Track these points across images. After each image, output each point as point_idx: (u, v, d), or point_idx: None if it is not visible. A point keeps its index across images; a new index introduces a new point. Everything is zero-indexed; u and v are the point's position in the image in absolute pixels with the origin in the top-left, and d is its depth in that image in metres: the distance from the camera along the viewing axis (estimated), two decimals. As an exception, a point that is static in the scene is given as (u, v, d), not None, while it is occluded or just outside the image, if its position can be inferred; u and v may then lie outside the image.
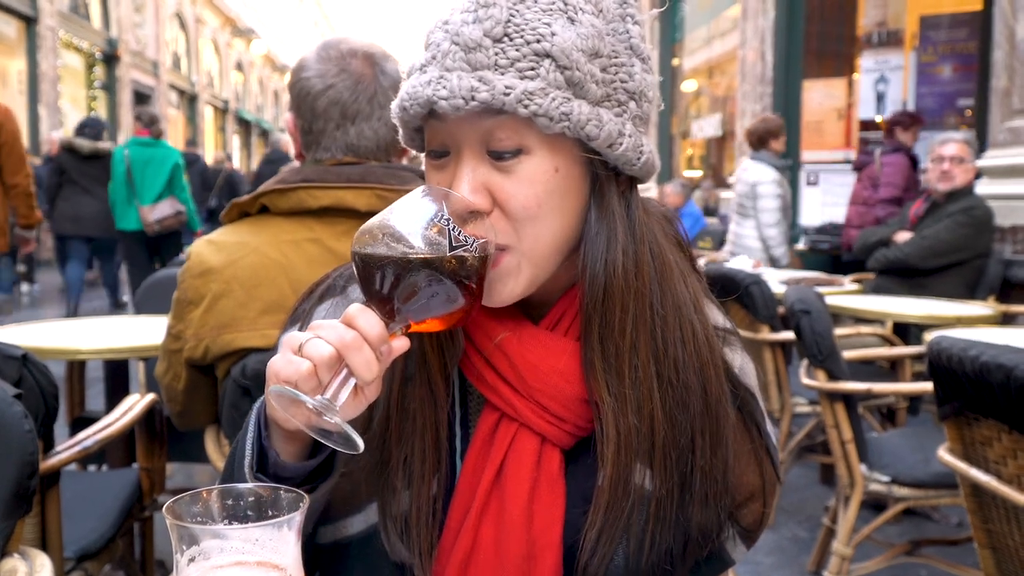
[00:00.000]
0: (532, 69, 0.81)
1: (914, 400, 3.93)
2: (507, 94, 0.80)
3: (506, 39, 0.82)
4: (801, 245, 6.98)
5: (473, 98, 0.80)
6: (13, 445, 1.17)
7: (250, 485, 0.70)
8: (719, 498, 0.92)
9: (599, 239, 0.88)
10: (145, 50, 18.13)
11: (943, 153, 4.53)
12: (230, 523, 0.68)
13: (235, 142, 20.11)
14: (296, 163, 1.84)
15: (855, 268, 5.55)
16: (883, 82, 7.42)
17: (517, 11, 0.83)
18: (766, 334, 3.59)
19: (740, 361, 1.00)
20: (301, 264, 1.64)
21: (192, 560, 0.64)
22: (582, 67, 0.83)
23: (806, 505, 3.81)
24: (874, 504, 3.18)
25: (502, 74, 0.81)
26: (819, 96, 8.03)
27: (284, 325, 1.04)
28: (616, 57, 0.86)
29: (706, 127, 10.90)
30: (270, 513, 0.68)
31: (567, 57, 0.82)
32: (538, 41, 0.82)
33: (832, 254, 6.59)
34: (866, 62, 7.61)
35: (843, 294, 4.36)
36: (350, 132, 1.69)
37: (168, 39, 19.91)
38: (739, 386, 0.97)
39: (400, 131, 0.93)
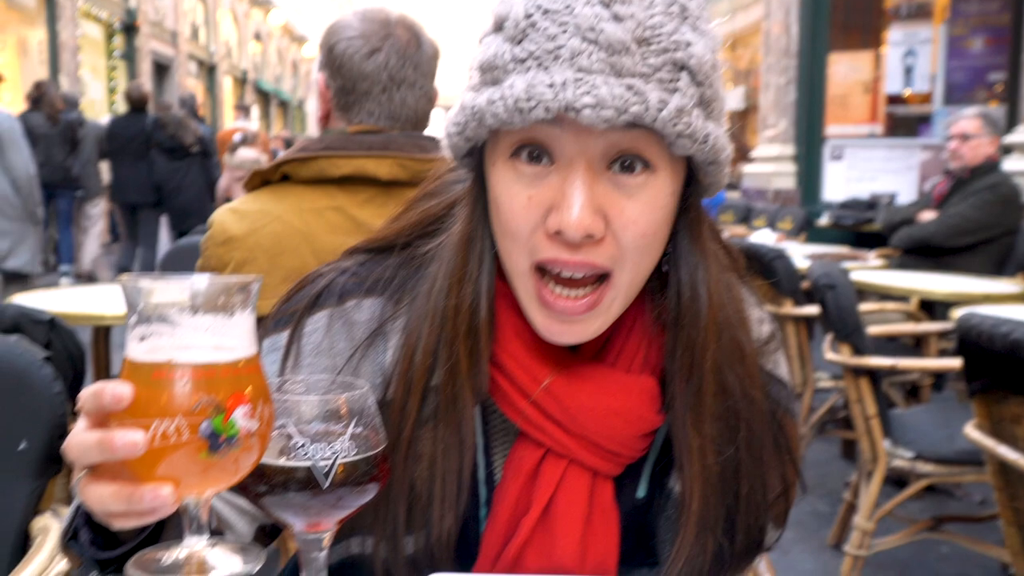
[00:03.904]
0: (672, 81, 0.73)
1: (939, 377, 3.89)
2: (660, 109, 0.72)
3: (645, 44, 0.73)
4: (824, 220, 6.91)
5: (626, 110, 0.71)
6: (44, 407, 1.19)
7: (207, 275, 0.66)
8: (760, 515, 0.90)
9: (699, 271, 0.83)
10: (164, 20, 18.08)
11: (951, 131, 4.49)
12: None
13: (254, 113, 20.09)
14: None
15: (879, 243, 5.50)
16: (911, 55, 7.31)
17: (648, 12, 0.74)
18: (789, 308, 3.57)
19: (772, 363, 0.96)
20: (323, 232, 1.63)
21: (143, 339, 0.64)
22: (713, 84, 0.76)
23: (827, 480, 3.80)
24: (895, 480, 3.16)
25: (646, 83, 0.72)
26: (845, 70, 7.92)
27: (267, 328, 0.93)
28: (720, 69, 0.79)
29: (728, 101, 10.78)
30: (220, 301, 0.66)
31: (702, 71, 0.74)
32: (675, 50, 0.73)
33: (856, 230, 6.52)
34: (894, 35, 7.49)
35: (868, 269, 4.32)
36: (395, 98, 1.68)
37: (186, 9, 19.83)
38: (773, 396, 0.93)
39: (456, 130, 0.81)
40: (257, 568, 0.68)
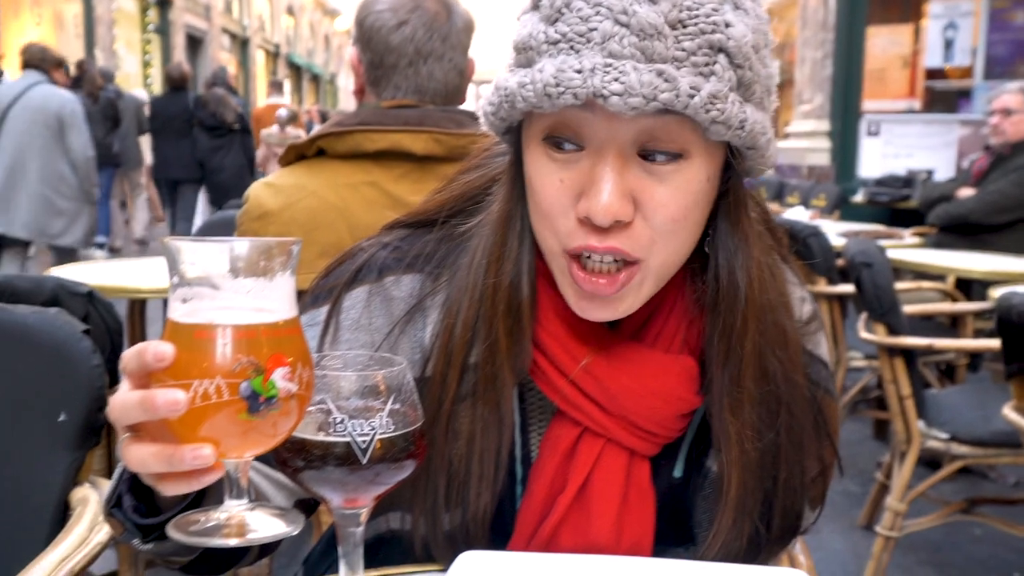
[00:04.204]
0: (707, 65, 0.71)
1: (975, 357, 3.84)
2: (692, 96, 0.70)
3: (680, 26, 0.71)
4: (859, 197, 6.81)
5: (655, 98, 0.69)
6: (83, 379, 1.20)
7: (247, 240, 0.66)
8: (797, 499, 0.90)
9: (738, 256, 0.82)
10: (198, -7, 18.17)
11: (992, 106, 4.39)
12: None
13: (287, 87, 20.16)
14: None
15: (915, 221, 5.41)
16: (952, 28, 7.14)
17: None
18: (822, 287, 3.53)
19: (813, 344, 0.95)
20: (358, 207, 1.63)
21: (185, 301, 0.65)
22: (754, 66, 0.74)
23: (858, 460, 3.77)
24: (928, 461, 3.13)
25: (678, 68, 0.70)
26: (883, 43, 7.75)
27: (305, 303, 0.93)
28: (764, 49, 0.76)
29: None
30: (261, 264, 0.66)
31: (741, 53, 0.72)
32: (713, 31, 0.71)
33: (892, 207, 6.41)
34: (934, 7, 7.32)
35: (905, 248, 4.27)
36: (421, 71, 1.67)
37: (220, -18, 19.89)
38: (813, 377, 0.92)
39: (491, 110, 0.80)
40: (298, 530, 0.68)
